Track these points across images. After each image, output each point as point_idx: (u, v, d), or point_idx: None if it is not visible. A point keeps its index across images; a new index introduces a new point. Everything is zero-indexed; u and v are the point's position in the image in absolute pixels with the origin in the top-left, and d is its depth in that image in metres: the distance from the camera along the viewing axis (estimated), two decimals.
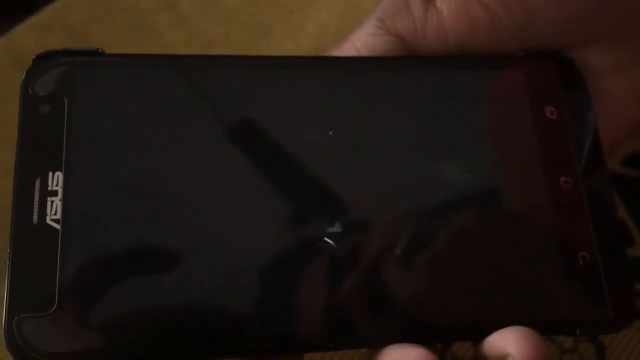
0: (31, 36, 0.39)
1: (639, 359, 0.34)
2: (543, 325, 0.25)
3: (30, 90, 0.25)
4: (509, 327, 0.24)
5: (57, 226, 0.23)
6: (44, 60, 0.25)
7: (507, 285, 0.26)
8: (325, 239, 0.25)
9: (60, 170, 0.24)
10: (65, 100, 0.25)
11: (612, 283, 0.26)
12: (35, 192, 0.23)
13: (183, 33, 0.41)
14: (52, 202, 0.23)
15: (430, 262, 0.25)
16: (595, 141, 0.28)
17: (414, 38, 0.28)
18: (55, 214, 0.23)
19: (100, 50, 0.26)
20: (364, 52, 0.28)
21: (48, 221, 0.23)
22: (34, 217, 0.23)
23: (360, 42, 0.29)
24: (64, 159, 0.24)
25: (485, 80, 0.28)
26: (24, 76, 0.25)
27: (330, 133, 0.26)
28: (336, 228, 0.25)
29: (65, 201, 0.24)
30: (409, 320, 0.25)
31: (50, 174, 0.24)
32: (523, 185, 0.27)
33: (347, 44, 0.29)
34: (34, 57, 0.25)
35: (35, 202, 0.23)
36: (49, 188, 0.24)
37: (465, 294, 0.26)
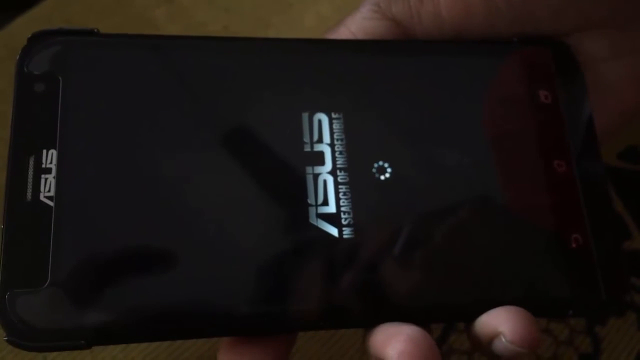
0: (29, 29, 0.38)
1: (634, 351, 0.34)
2: (535, 306, 0.25)
3: (25, 69, 0.25)
4: (501, 306, 0.24)
5: (51, 203, 0.23)
6: (39, 39, 0.25)
7: (499, 267, 0.26)
8: (320, 219, 0.25)
9: (55, 148, 0.24)
10: (60, 78, 0.25)
11: (604, 266, 0.26)
12: (29, 169, 0.23)
13: (182, 26, 0.41)
14: (46, 179, 0.23)
15: (423, 245, 0.25)
16: (590, 126, 0.28)
17: (410, 22, 0.28)
18: (49, 191, 0.23)
19: (95, 30, 0.26)
20: (360, 36, 0.28)
21: (42, 198, 0.23)
22: (27, 194, 0.23)
23: (356, 26, 0.29)
24: (58, 137, 0.24)
25: (480, 65, 0.28)
26: (19, 54, 0.25)
27: (324, 115, 0.26)
28: (330, 209, 0.25)
29: (59, 178, 0.24)
30: (403, 300, 0.25)
31: (45, 151, 0.24)
32: (516, 168, 0.27)
33: (343, 27, 0.29)
34: (29, 35, 0.25)
35: (29, 180, 0.23)
36: (43, 165, 0.24)
37: (458, 275, 0.25)
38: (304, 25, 0.41)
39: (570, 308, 0.26)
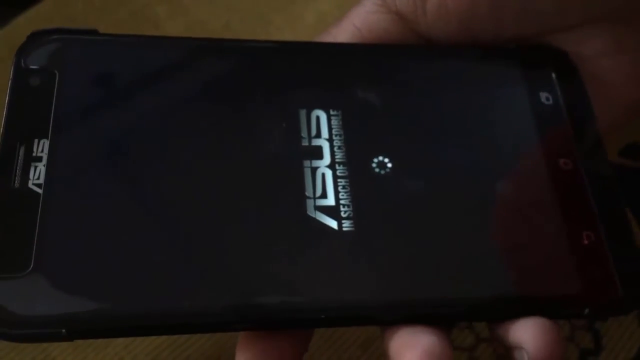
0: (31, 27, 0.38)
1: (635, 346, 0.34)
2: (551, 305, 0.24)
3: (22, 63, 0.25)
4: (534, 317, 0.24)
5: (39, 190, 0.23)
6: (39, 36, 0.25)
7: (512, 267, 0.25)
8: (318, 212, 0.25)
9: (47, 138, 0.24)
10: (57, 73, 0.25)
11: (619, 263, 0.25)
12: (19, 157, 0.23)
13: (182, 24, 0.41)
14: (35, 167, 0.23)
15: (427, 239, 0.25)
16: (592, 126, 0.28)
17: (414, 16, 0.28)
18: (38, 178, 0.23)
19: (94, 30, 0.26)
20: (364, 31, 0.28)
21: (30, 185, 0.23)
22: (15, 181, 0.23)
23: (359, 20, 0.28)
24: (51, 128, 0.24)
25: (480, 71, 0.29)
26: (17, 50, 0.25)
27: (322, 112, 0.26)
28: (329, 201, 0.25)
29: (49, 167, 0.23)
30: (406, 295, 0.24)
31: (36, 140, 0.24)
32: (524, 168, 0.27)
33: (347, 22, 0.29)
34: (29, 34, 0.25)
35: (18, 167, 0.23)
36: (34, 154, 0.23)
37: (472, 275, 0.25)
38: (305, 22, 0.41)
39: (586, 307, 0.25)
